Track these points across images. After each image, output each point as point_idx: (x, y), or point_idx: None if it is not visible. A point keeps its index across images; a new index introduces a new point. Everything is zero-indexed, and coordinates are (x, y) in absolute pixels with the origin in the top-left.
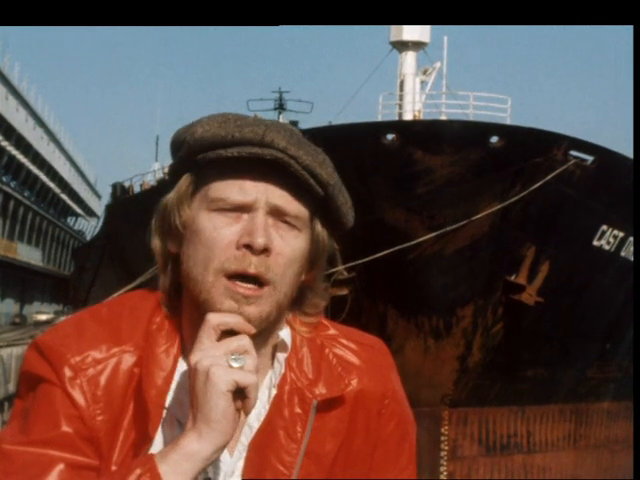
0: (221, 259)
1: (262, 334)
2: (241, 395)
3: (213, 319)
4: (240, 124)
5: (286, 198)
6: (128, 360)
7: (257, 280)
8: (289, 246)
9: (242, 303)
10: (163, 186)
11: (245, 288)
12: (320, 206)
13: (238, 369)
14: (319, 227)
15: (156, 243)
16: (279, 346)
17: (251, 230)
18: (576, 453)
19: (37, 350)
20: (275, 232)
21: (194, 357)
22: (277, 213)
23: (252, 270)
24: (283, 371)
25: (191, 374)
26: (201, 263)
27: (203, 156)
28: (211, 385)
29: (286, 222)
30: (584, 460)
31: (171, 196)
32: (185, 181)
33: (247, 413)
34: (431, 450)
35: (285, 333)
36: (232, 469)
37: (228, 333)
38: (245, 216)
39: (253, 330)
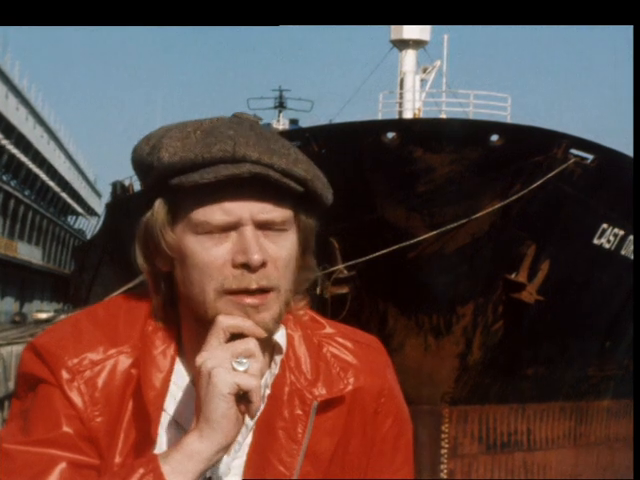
0: (219, 279)
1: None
2: (244, 398)
3: (224, 321)
4: (205, 141)
5: (269, 208)
6: (125, 361)
7: (260, 291)
8: (283, 249)
9: (252, 313)
10: None
11: (251, 298)
12: (302, 198)
13: (242, 372)
14: (304, 217)
15: (143, 263)
16: (275, 348)
17: (244, 248)
18: (576, 451)
19: (34, 352)
20: (267, 240)
21: (200, 358)
22: (264, 225)
23: (254, 286)
24: (277, 372)
25: (196, 375)
26: (197, 285)
27: (177, 182)
28: (213, 387)
29: (273, 228)
30: (584, 458)
31: (150, 219)
32: (161, 206)
33: (252, 417)
34: (431, 448)
35: (280, 334)
36: (228, 468)
37: (236, 336)
38: (233, 233)
39: (264, 334)
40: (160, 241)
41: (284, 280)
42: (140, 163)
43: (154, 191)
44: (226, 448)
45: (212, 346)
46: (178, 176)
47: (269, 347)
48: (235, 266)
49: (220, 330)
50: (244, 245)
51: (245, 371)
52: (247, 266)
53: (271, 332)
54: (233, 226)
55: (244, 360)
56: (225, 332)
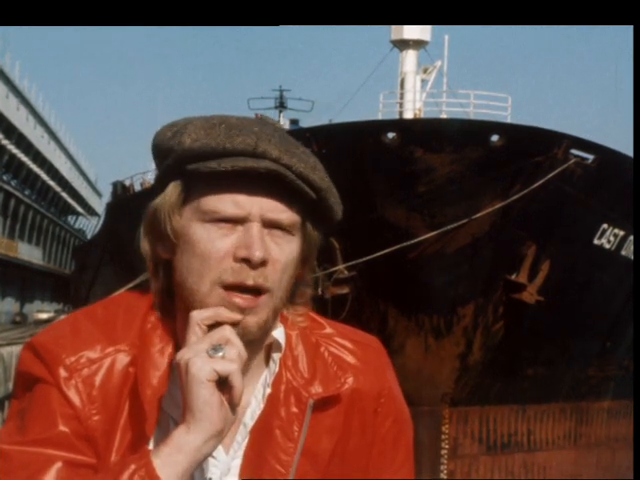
0: (218, 270)
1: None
2: (226, 385)
3: (197, 316)
4: (229, 133)
5: (280, 208)
6: (123, 360)
7: (255, 290)
8: (284, 252)
9: (238, 314)
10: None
11: (242, 299)
12: (312, 207)
13: (218, 358)
14: (310, 227)
15: (146, 248)
16: (274, 346)
17: (248, 243)
18: (577, 452)
19: (32, 350)
20: (270, 240)
21: (178, 354)
22: (271, 224)
23: (251, 282)
24: (276, 370)
25: (177, 372)
26: (196, 273)
27: (195, 168)
28: (191, 376)
29: (280, 229)
30: (584, 459)
31: (159, 202)
32: (174, 190)
33: (237, 402)
34: (432, 449)
35: (279, 332)
36: (227, 467)
37: (214, 328)
38: (240, 227)
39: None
40: (166, 225)
41: (279, 284)
42: (160, 147)
43: (169, 176)
44: (216, 437)
45: (191, 341)
46: (196, 162)
47: (265, 346)
48: (236, 260)
49: (195, 325)
50: (248, 240)
51: (222, 357)
52: (248, 261)
53: (254, 337)
54: (241, 220)
55: (220, 346)
56: (200, 326)
